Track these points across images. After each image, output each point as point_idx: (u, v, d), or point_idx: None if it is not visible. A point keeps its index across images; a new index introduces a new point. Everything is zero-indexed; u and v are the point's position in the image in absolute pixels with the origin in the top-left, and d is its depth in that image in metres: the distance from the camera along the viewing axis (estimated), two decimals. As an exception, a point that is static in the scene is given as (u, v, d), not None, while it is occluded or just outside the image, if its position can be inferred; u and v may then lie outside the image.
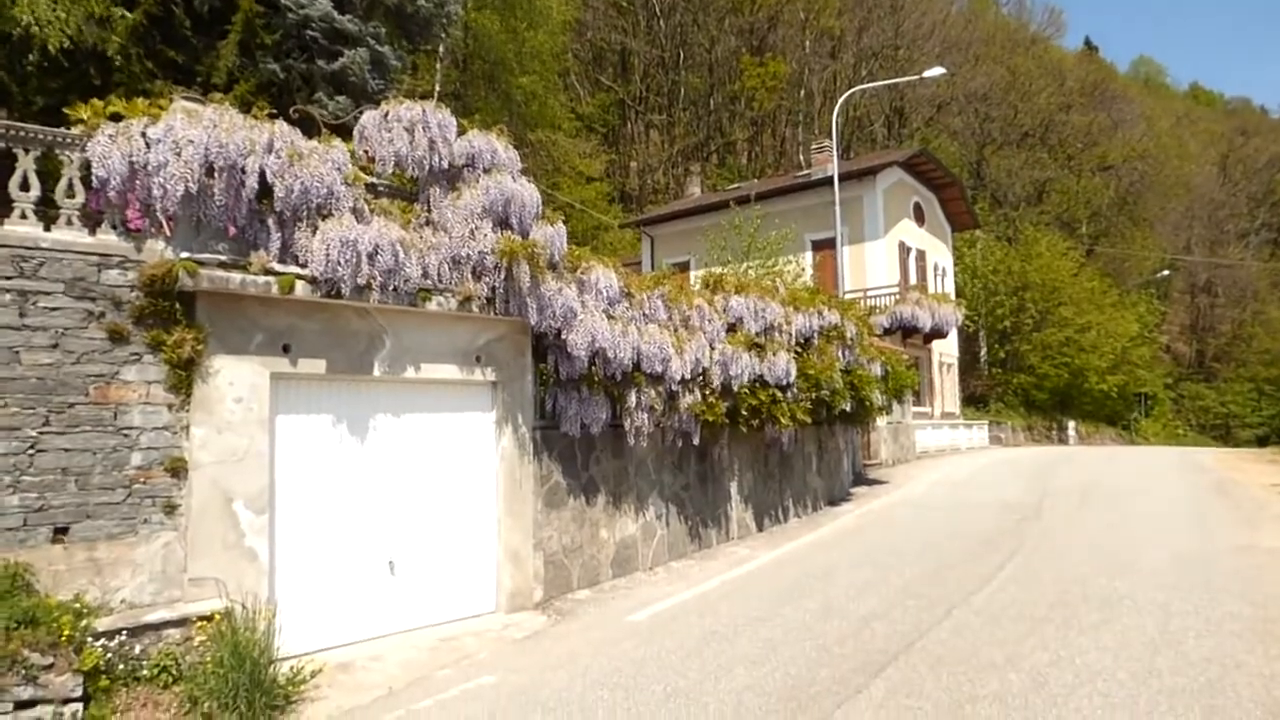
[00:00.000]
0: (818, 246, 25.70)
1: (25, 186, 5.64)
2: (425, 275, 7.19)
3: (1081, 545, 10.23)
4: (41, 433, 5.36)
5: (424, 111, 7.75)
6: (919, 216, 28.59)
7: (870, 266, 25.40)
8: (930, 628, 6.87)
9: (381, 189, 7.61)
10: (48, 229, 5.63)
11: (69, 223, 5.74)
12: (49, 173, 5.80)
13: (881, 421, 19.97)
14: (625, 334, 8.79)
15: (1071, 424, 38.30)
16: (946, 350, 29.50)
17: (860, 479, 17.77)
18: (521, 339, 8.29)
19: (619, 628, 7.40)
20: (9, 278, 5.35)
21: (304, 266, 6.44)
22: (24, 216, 5.59)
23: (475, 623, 7.56)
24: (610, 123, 45.22)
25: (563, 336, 8.24)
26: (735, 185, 34.52)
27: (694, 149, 47.30)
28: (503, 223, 7.80)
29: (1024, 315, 37.81)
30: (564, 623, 7.67)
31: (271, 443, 6.39)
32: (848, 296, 19.42)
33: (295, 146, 6.55)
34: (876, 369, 14.89)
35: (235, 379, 6.18)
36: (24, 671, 4.44)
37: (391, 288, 6.85)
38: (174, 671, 5.29)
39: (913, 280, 27.04)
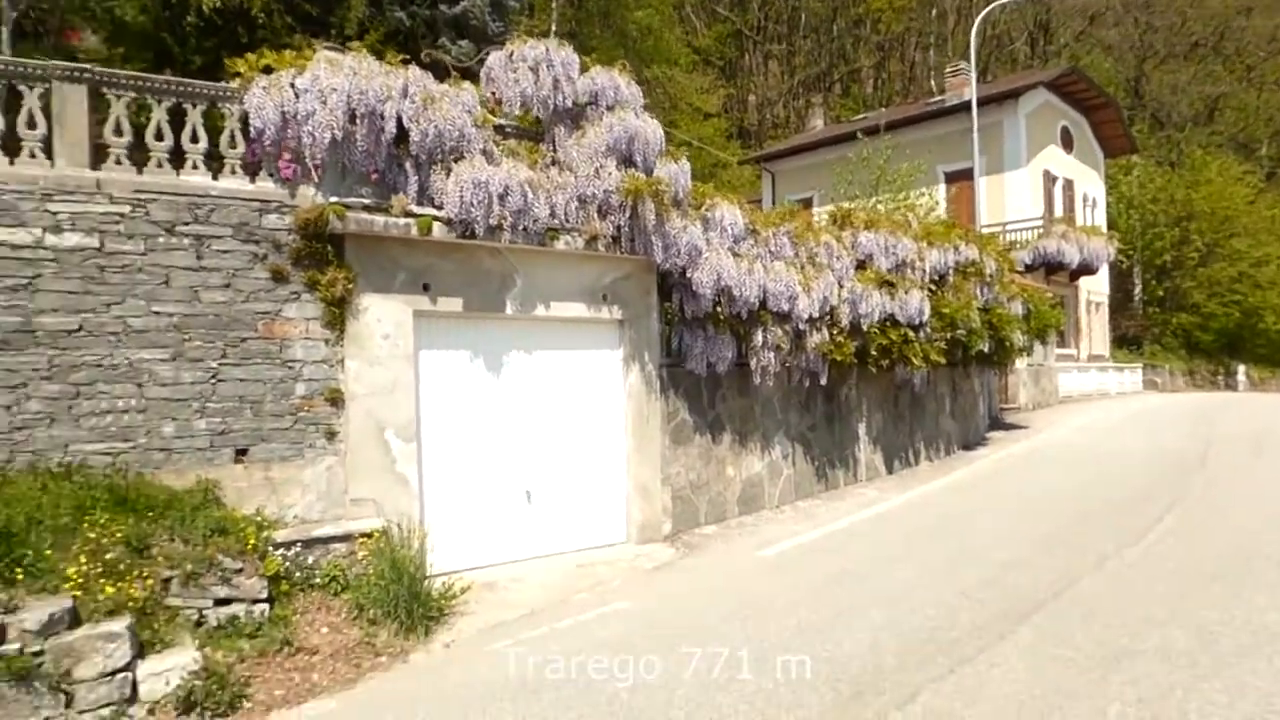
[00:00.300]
0: (951, 178, 24.03)
1: (195, 139, 6.11)
2: (553, 215, 7.29)
3: (1254, 498, 9.26)
4: (220, 364, 5.94)
5: (547, 50, 7.75)
6: (1067, 142, 26.08)
7: (1010, 198, 23.51)
8: (1079, 578, 6.46)
9: (508, 130, 7.71)
10: (215, 178, 6.11)
11: (233, 172, 6.19)
12: (209, 126, 6.23)
13: (1021, 364, 18.78)
14: (751, 272, 8.62)
15: (1241, 368, 34.49)
16: (1096, 288, 27.16)
17: (996, 423, 16.86)
18: (647, 277, 8.29)
19: (748, 562, 7.45)
20: (187, 223, 5.88)
21: (439, 208, 6.68)
22: (195, 167, 6.08)
23: (607, 551, 7.84)
24: (727, 55, 43.57)
25: (688, 275, 8.18)
26: (861, 116, 32.64)
27: (815, 79, 44.94)
28: (626, 161, 7.74)
29: (1187, 249, 33.87)
30: (692, 556, 7.81)
31: (416, 376, 6.78)
32: (985, 231, 18.13)
33: (428, 90, 6.73)
34: (1017, 307, 14.05)
35: (382, 316, 6.55)
36: (220, 574, 5.03)
37: (521, 227, 6.99)
38: (342, 581, 5.83)
39: (1058, 212, 24.85)
